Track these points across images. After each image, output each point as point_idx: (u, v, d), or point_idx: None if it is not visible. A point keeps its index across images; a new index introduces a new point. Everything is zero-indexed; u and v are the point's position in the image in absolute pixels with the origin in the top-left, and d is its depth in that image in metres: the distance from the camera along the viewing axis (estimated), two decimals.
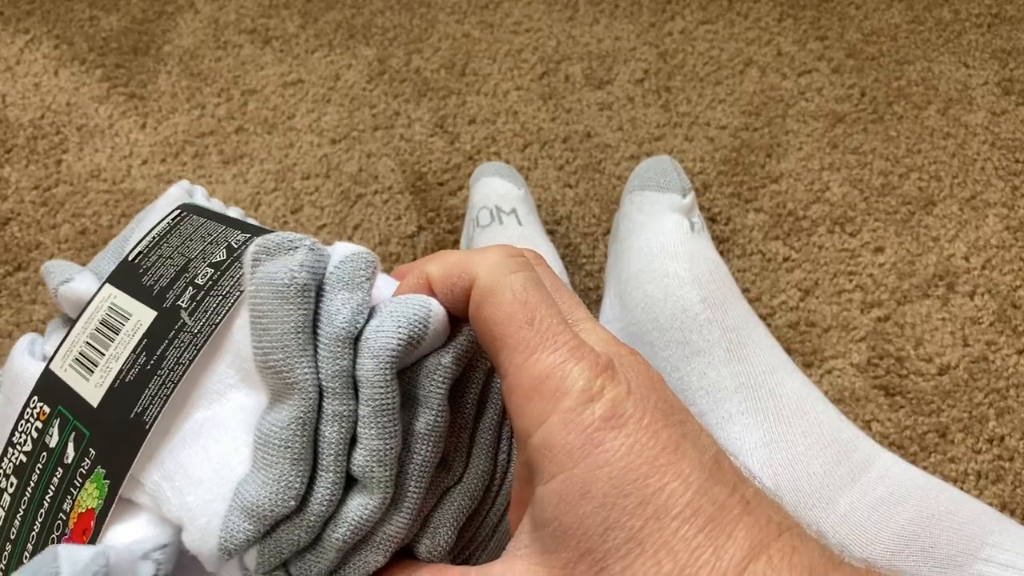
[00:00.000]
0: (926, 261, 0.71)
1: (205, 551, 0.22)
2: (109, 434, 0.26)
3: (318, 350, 0.22)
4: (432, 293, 0.23)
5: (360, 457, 0.22)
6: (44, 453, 0.26)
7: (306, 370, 0.22)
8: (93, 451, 0.26)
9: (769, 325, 0.67)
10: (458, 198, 0.76)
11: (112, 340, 0.27)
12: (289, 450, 0.22)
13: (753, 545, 0.18)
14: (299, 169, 0.78)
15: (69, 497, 0.26)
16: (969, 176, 0.76)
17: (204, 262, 0.28)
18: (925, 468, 0.60)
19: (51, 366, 0.28)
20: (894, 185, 0.76)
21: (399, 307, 0.23)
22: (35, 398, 0.28)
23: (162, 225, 0.30)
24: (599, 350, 0.21)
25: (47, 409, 0.27)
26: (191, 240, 0.29)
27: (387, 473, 0.22)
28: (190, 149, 0.79)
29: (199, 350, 0.25)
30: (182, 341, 0.26)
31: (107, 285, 0.29)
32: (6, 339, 0.68)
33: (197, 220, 0.30)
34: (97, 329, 0.28)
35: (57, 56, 0.86)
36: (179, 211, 0.30)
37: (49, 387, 0.28)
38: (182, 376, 0.25)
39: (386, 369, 0.22)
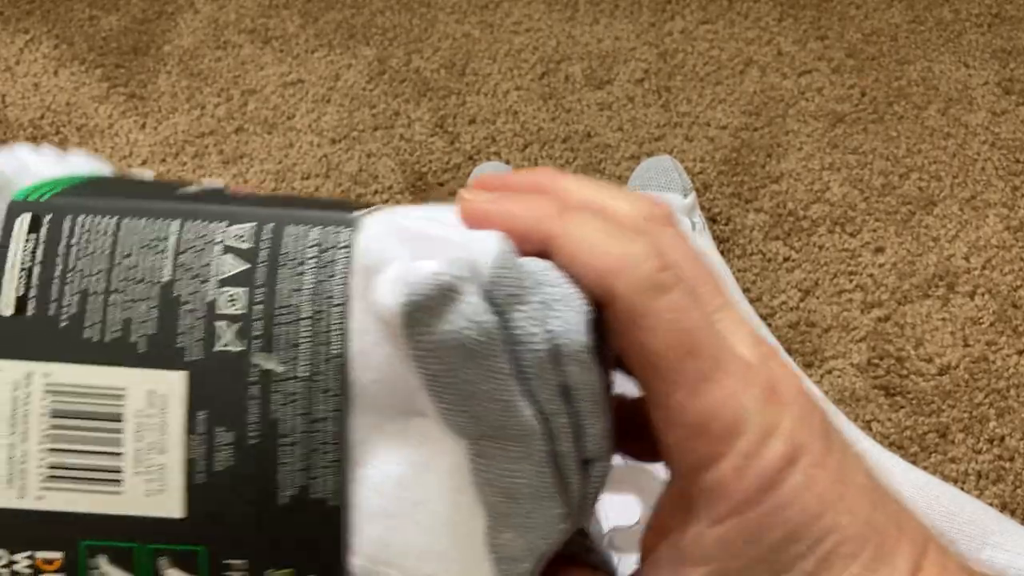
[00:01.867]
0: (926, 261, 0.71)
1: None
2: (247, 533, 0.20)
3: (528, 381, 0.19)
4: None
5: (591, 443, 0.19)
6: None
7: (528, 411, 0.18)
8: (234, 561, 0.20)
9: (769, 325, 0.67)
10: None
11: (115, 431, 0.20)
12: (544, 491, 0.19)
13: (911, 569, 0.18)
14: (299, 169, 0.77)
15: None
16: (969, 176, 0.76)
17: (206, 282, 0.20)
18: (925, 468, 0.60)
19: None
20: (894, 185, 0.76)
21: (568, 295, 0.19)
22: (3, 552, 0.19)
23: (20, 252, 0.20)
24: (754, 360, 0.19)
25: (52, 556, 0.20)
26: (131, 256, 0.20)
27: (611, 443, 0.19)
28: (190, 149, 0.79)
29: (340, 396, 0.19)
30: (292, 393, 0.20)
31: (4, 362, 0.19)
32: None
33: (97, 223, 0.20)
34: (57, 427, 0.20)
35: (57, 56, 0.86)
36: (37, 216, 0.20)
37: (27, 527, 0.19)
38: (339, 433, 0.20)
39: (591, 365, 0.19)
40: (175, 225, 0.21)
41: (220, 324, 0.20)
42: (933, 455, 0.61)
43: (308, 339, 0.20)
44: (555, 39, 0.87)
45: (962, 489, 0.58)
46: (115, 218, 0.21)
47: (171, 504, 0.20)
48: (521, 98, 0.83)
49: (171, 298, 0.20)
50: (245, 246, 0.21)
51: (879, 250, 0.72)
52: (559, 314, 0.18)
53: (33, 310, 0.20)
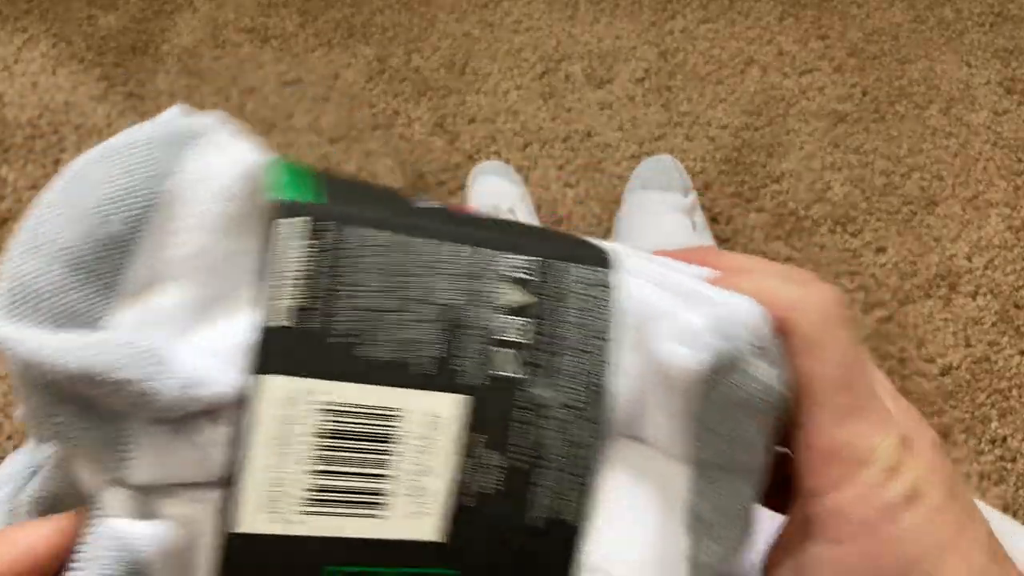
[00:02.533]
0: (928, 261, 0.71)
1: None
2: (497, 557, 0.20)
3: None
4: None
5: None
6: None
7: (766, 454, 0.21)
8: None
9: None
10: (458, 197, 0.75)
11: (385, 453, 0.19)
12: (751, 510, 0.21)
13: None
14: None
15: None
16: (971, 176, 0.76)
17: (487, 309, 0.20)
18: None
19: (251, 529, 0.18)
20: (896, 185, 0.76)
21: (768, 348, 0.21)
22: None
23: (297, 257, 0.19)
24: (895, 412, 0.21)
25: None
26: (407, 275, 0.20)
27: None
28: None
29: (599, 424, 0.20)
30: (560, 420, 0.20)
31: (277, 379, 0.18)
32: None
33: (373, 236, 0.19)
34: (327, 448, 0.19)
35: (55, 55, 0.86)
36: (315, 221, 0.19)
37: (278, 553, 0.19)
38: (593, 459, 0.20)
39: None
40: (451, 248, 0.20)
41: (503, 351, 0.20)
42: None
43: (578, 370, 0.20)
44: (555, 38, 0.87)
45: None
46: (390, 233, 0.20)
47: (429, 528, 0.19)
48: (521, 97, 0.82)
49: (452, 321, 0.20)
50: (526, 277, 0.20)
51: (881, 250, 0.72)
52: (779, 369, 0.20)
53: (308, 323, 0.19)
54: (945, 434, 0.62)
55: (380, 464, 0.19)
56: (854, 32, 0.87)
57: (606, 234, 0.73)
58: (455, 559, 0.20)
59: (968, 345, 0.66)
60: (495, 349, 0.19)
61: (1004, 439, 0.62)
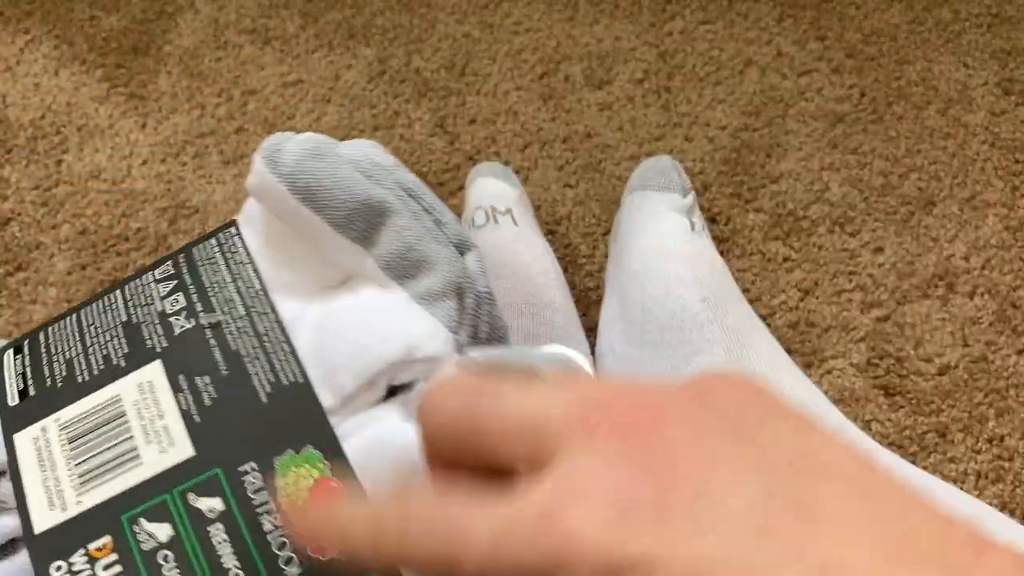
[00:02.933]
0: (926, 261, 0.71)
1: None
2: (246, 438, 0.27)
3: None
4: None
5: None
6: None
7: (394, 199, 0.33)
8: (245, 466, 0.26)
9: (769, 325, 0.67)
10: (458, 198, 0.76)
11: (120, 425, 0.28)
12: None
13: None
14: None
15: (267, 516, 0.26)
16: (969, 176, 0.77)
17: (152, 304, 0.30)
18: (925, 468, 0.60)
19: (45, 527, 0.26)
20: (894, 185, 0.76)
21: None
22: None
23: (12, 366, 0.31)
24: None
25: (102, 542, 0.26)
26: (88, 327, 0.30)
27: None
28: (190, 149, 0.79)
29: (271, 312, 0.29)
30: (240, 327, 0.29)
31: (21, 432, 0.28)
32: (6, 339, 0.68)
33: (62, 325, 0.30)
34: (77, 447, 0.27)
35: (57, 56, 0.86)
36: (18, 347, 0.31)
37: (74, 531, 0.26)
38: (283, 330, 0.29)
39: None
40: (116, 291, 0.30)
41: (174, 319, 0.28)
42: (932, 455, 0.61)
43: (229, 297, 0.29)
44: (555, 39, 0.88)
45: (961, 489, 0.58)
46: (73, 315, 0.30)
47: (182, 450, 0.26)
48: (521, 98, 0.83)
49: (131, 326, 0.28)
50: (172, 270, 0.30)
51: (878, 250, 0.72)
52: None
53: (28, 394, 0.28)
54: (943, 433, 0.62)
55: (120, 434, 0.27)
56: (852, 33, 0.88)
57: (605, 234, 0.73)
58: (213, 460, 0.26)
59: (966, 345, 0.66)
60: (169, 320, 0.28)
61: (1002, 438, 0.62)
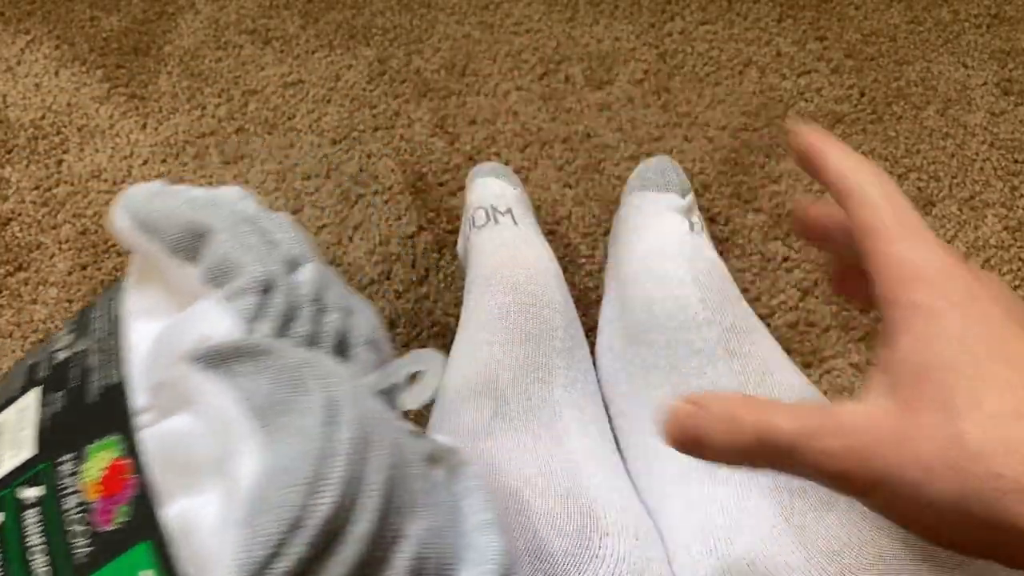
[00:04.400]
0: None
1: None
2: (70, 433, 0.31)
3: None
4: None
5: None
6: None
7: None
8: (64, 456, 0.31)
9: (768, 325, 0.68)
10: (458, 198, 0.76)
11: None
12: None
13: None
14: (300, 169, 0.78)
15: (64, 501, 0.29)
16: (968, 176, 0.77)
17: (46, 352, 0.37)
18: None
19: None
20: None
21: None
22: None
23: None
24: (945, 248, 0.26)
25: None
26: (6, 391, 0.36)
27: None
28: (191, 149, 0.79)
29: (118, 338, 0.34)
30: (95, 350, 0.34)
31: None
32: (6, 339, 0.69)
33: None
34: None
35: (58, 57, 0.87)
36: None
37: None
38: (117, 344, 0.34)
39: None
40: (23, 359, 0.37)
41: (57, 353, 0.35)
42: None
43: (103, 322, 0.35)
44: (555, 40, 0.88)
45: None
46: (19, 362, 0.38)
47: (26, 451, 0.31)
48: (521, 99, 0.83)
49: (31, 369, 0.36)
50: (76, 318, 0.37)
51: None
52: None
53: None
54: None
55: None
56: (852, 33, 0.88)
57: (605, 234, 0.73)
58: (44, 457, 0.31)
59: None
60: (54, 354, 0.35)
61: None
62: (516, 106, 0.82)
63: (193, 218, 0.35)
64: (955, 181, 0.76)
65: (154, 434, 0.31)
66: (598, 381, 0.58)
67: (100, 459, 0.30)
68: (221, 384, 0.29)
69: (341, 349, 0.36)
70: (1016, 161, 0.78)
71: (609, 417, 0.56)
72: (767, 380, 0.48)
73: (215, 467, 0.28)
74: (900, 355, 0.24)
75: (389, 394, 0.35)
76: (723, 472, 0.45)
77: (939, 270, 0.25)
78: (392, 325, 0.69)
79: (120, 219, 0.37)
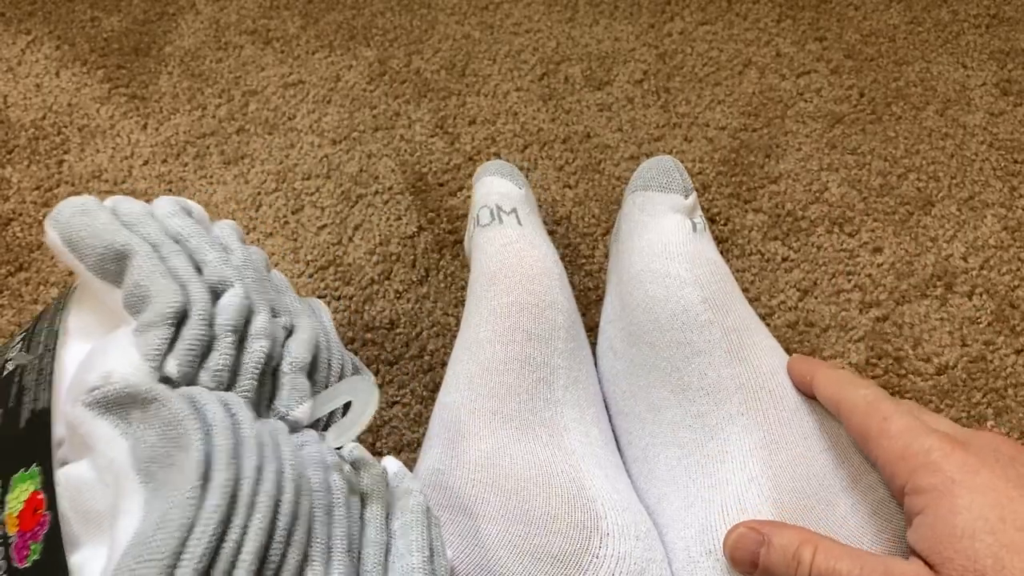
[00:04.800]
0: (924, 261, 0.71)
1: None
2: (4, 459, 0.30)
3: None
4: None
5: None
6: None
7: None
8: None
9: (768, 325, 0.68)
10: (458, 199, 0.76)
11: None
12: None
13: None
14: (300, 170, 0.78)
15: None
16: (967, 176, 0.77)
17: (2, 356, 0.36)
18: None
19: None
20: (892, 185, 0.76)
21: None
22: None
23: None
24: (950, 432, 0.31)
25: None
26: None
27: None
28: (191, 150, 0.80)
29: (54, 355, 0.33)
30: (32, 368, 0.33)
31: None
32: (7, 338, 0.69)
33: None
34: None
35: (58, 57, 0.87)
36: None
37: None
38: (51, 364, 0.33)
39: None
40: None
41: (6, 364, 0.34)
42: None
43: (44, 337, 0.33)
44: (555, 40, 0.88)
45: None
46: None
47: None
48: (521, 99, 0.83)
49: None
50: (28, 326, 0.36)
51: (877, 250, 0.72)
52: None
53: None
54: None
55: None
56: (851, 34, 0.88)
57: (605, 234, 0.73)
58: None
59: (964, 344, 0.67)
60: (5, 364, 0.34)
61: None
62: (516, 106, 0.82)
63: (114, 239, 0.33)
64: (954, 181, 0.76)
65: (64, 474, 0.29)
66: (599, 381, 0.58)
67: (22, 490, 0.29)
68: (114, 431, 0.27)
69: (268, 378, 0.34)
70: (1016, 161, 0.78)
71: (609, 417, 0.56)
72: (769, 382, 0.48)
73: (110, 520, 0.26)
74: (928, 530, 0.28)
75: (326, 424, 0.34)
76: (723, 474, 0.45)
77: (938, 453, 0.29)
78: (392, 325, 0.69)
79: (51, 236, 0.35)
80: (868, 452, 0.33)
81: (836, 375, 0.35)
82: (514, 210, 0.63)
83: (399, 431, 0.64)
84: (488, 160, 0.78)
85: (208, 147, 0.80)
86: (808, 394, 0.40)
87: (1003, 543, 0.26)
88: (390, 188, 0.76)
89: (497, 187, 0.65)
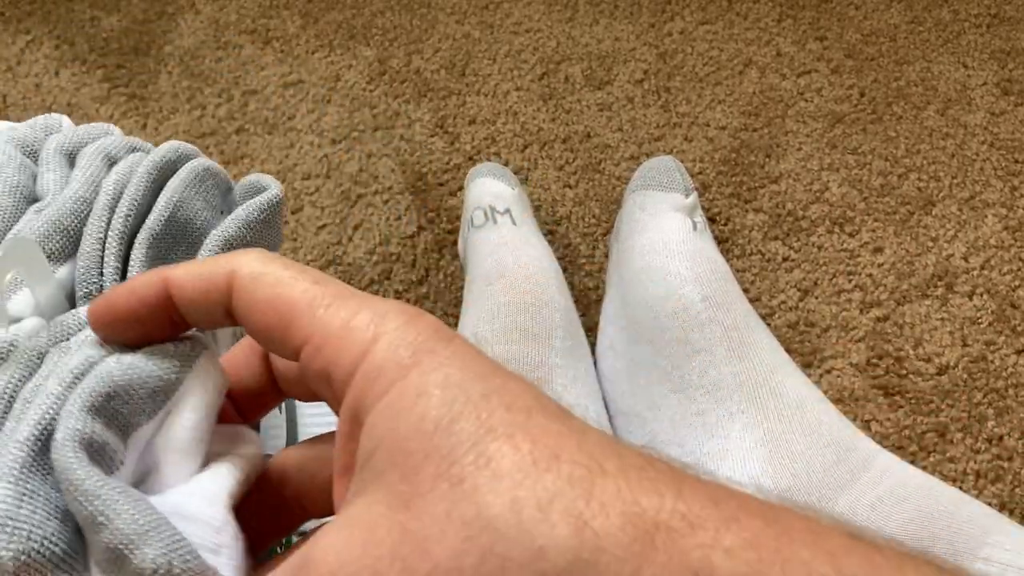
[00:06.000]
0: (925, 261, 0.71)
1: None
2: None
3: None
4: (170, 298, 0.20)
5: None
6: None
7: None
8: None
9: (769, 325, 0.68)
10: (458, 198, 0.76)
11: None
12: None
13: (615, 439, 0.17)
14: (300, 169, 0.78)
15: None
16: (968, 176, 0.77)
17: None
18: (924, 468, 0.61)
19: None
20: (893, 185, 0.76)
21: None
22: None
23: None
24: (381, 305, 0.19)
25: None
26: None
27: None
28: None
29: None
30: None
31: None
32: None
33: None
34: None
35: (58, 56, 0.87)
36: None
37: None
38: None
39: None
40: None
41: None
42: (932, 455, 0.61)
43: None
44: (555, 40, 0.88)
45: (961, 489, 0.58)
46: None
47: None
48: (521, 99, 0.83)
49: None
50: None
51: (878, 250, 0.72)
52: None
53: None
54: (942, 433, 0.62)
55: None
56: (852, 33, 0.88)
57: (605, 234, 0.73)
58: None
59: (965, 344, 0.67)
60: None
61: (1000, 438, 0.62)
62: (516, 106, 0.82)
63: None
64: (955, 181, 0.76)
65: None
66: (599, 380, 0.57)
67: None
68: None
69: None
70: (1016, 161, 0.78)
71: (609, 416, 0.56)
72: (768, 380, 0.48)
73: None
74: (378, 431, 0.17)
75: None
76: (723, 472, 0.45)
77: (399, 321, 0.18)
78: None
79: None
80: (289, 338, 0.19)
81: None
82: (508, 210, 0.63)
83: None
84: (488, 160, 0.78)
85: (208, 147, 0.79)
86: None
87: (487, 426, 0.16)
88: (390, 188, 0.76)
89: (490, 188, 0.65)
